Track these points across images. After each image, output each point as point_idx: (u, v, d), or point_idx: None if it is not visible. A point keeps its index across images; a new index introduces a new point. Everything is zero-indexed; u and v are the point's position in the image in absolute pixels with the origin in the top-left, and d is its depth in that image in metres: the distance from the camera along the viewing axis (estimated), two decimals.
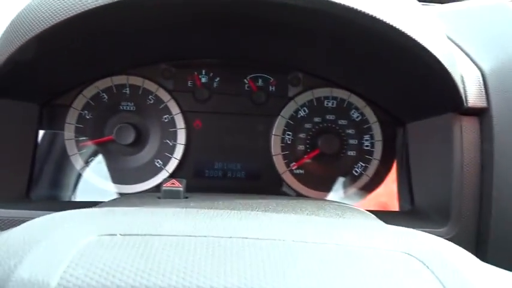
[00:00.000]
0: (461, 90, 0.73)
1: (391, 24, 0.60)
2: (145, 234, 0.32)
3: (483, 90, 0.76)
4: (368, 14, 0.59)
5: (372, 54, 0.76)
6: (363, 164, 0.96)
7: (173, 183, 0.60)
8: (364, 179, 0.95)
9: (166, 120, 0.93)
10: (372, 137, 0.96)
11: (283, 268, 0.29)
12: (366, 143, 0.96)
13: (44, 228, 0.32)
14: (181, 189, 0.60)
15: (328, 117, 0.95)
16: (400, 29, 0.61)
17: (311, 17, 0.65)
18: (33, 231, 0.31)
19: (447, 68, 0.66)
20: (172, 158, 0.93)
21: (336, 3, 0.57)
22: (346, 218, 0.52)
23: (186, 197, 0.62)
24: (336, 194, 0.95)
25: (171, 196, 0.60)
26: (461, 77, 0.75)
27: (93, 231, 0.32)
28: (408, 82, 0.80)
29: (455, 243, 0.73)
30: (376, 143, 0.96)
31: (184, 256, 0.30)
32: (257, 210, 0.52)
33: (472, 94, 0.75)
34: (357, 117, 0.96)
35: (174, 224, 0.34)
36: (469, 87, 0.75)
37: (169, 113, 0.93)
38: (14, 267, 0.28)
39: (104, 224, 0.34)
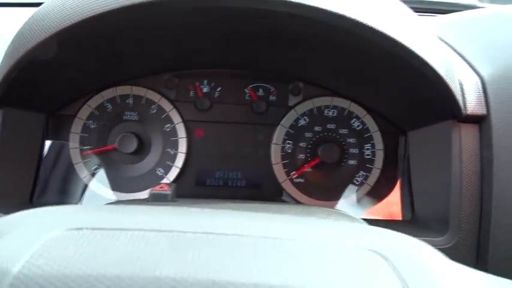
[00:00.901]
0: (459, 98, 0.72)
1: (384, 32, 0.61)
2: (111, 229, 0.33)
3: (483, 98, 0.75)
4: (361, 22, 0.59)
5: (370, 64, 0.76)
6: (364, 173, 0.95)
7: (162, 187, 0.61)
8: (365, 188, 0.95)
9: (168, 130, 0.95)
10: (373, 145, 0.95)
11: (241, 261, 0.29)
12: (367, 152, 0.95)
13: (14, 222, 0.33)
14: (169, 192, 0.61)
15: (328, 126, 0.95)
16: (394, 37, 0.61)
17: (310, 27, 0.65)
18: (3, 224, 0.32)
19: (442, 75, 0.66)
20: (174, 167, 0.94)
21: (324, 10, 0.58)
22: (326, 220, 0.51)
23: (175, 201, 0.62)
24: (337, 203, 0.94)
25: (159, 200, 0.61)
26: (461, 84, 0.74)
27: (61, 225, 0.33)
28: (406, 90, 0.80)
29: (456, 252, 0.73)
30: (377, 152, 0.95)
31: (147, 249, 0.30)
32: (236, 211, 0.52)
33: (472, 101, 0.74)
34: (358, 126, 0.95)
35: (142, 220, 0.35)
36: (468, 94, 0.75)
37: (171, 122, 0.95)
38: None
39: (73, 219, 0.34)
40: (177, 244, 0.31)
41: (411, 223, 0.85)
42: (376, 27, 0.59)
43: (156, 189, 0.61)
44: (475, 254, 0.73)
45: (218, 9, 0.63)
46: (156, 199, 0.61)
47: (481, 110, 0.74)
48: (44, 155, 0.92)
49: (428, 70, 0.64)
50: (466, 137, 0.75)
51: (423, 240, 0.74)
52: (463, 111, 0.73)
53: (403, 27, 0.62)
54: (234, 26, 0.73)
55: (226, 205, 0.57)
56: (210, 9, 0.64)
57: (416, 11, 1.26)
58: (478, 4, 1.33)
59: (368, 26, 0.59)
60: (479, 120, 0.75)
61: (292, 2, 0.56)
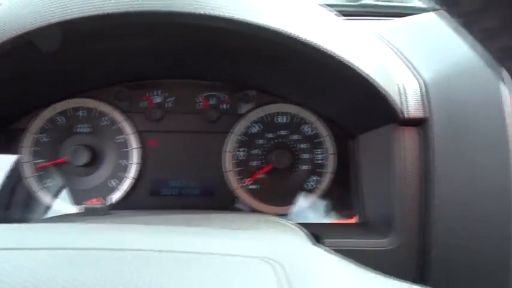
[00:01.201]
0: (397, 102, 0.73)
1: (309, 42, 0.62)
2: (12, 248, 0.33)
3: (422, 101, 0.76)
4: (284, 32, 0.61)
5: (310, 73, 0.77)
6: (317, 178, 0.96)
7: (93, 201, 0.61)
8: (317, 193, 0.96)
9: (120, 141, 0.95)
10: (325, 150, 0.96)
11: (128, 276, 0.30)
12: (319, 157, 0.96)
13: None
14: (99, 206, 0.61)
15: (280, 132, 0.96)
16: (320, 47, 0.62)
17: (245, 40, 0.66)
18: None
19: (373, 81, 0.67)
20: (127, 178, 0.94)
21: (232, 20, 0.59)
22: (243, 230, 0.52)
23: (109, 214, 0.62)
24: (290, 208, 0.95)
25: (92, 213, 0.61)
26: (402, 88, 0.76)
27: None
28: (348, 96, 0.81)
29: (400, 254, 0.74)
30: (330, 156, 0.96)
31: (45, 267, 0.31)
32: (159, 225, 0.52)
33: (412, 105, 0.76)
34: (309, 131, 0.97)
35: (47, 238, 0.35)
36: (409, 98, 0.76)
37: (124, 133, 0.95)
38: None
39: None
40: (66, 263, 0.31)
41: (361, 226, 0.86)
42: (300, 38, 0.60)
43: (88, 203, 0.61)
44: (419, 255, 0.75)
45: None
46: (89, 213, 0.61)
47: (420, 113, 0.76)
48: None
49: (359, 78, 0.65)
50: (408, 140, 0.76)
51: (368, 243, 0.76)
52: (401, 115, 0.74)
53: (330, 38, 0.64)
54: (185, 40, 0.73)
55: (155, 218, 0.58)
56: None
57: (372, 15, 1.28)
58: (435, 7, 1.35)
59: (293, 36, 0.60)
60: (420, 123, 0.76)
61: (209, 15, 0.57)
